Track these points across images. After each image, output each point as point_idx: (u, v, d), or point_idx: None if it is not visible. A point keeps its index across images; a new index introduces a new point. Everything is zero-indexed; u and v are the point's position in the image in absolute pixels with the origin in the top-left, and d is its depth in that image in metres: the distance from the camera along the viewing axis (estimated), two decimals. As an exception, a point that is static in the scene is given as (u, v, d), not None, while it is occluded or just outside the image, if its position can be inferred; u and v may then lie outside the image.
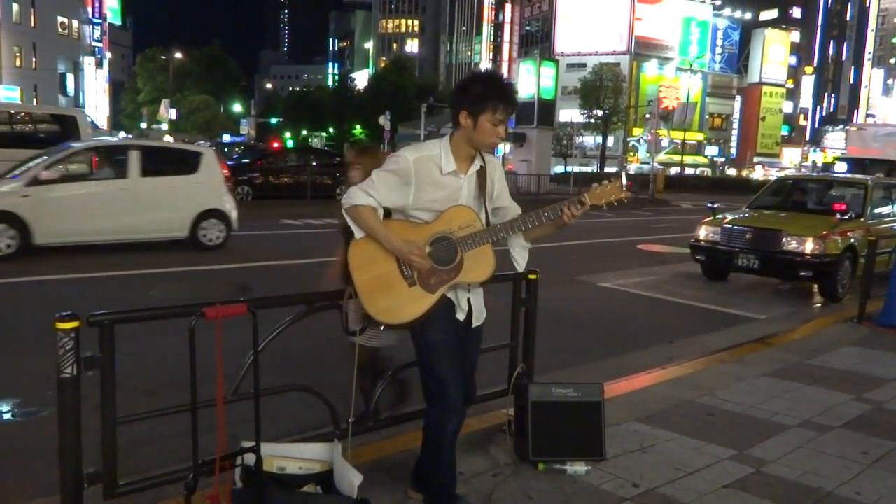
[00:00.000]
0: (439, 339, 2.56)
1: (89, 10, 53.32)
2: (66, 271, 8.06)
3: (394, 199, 2.53)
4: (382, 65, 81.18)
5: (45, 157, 9.39)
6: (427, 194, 2.52)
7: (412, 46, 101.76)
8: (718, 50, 70.37)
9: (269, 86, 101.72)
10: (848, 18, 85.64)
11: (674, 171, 50.70)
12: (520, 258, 2.74)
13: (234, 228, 10.54)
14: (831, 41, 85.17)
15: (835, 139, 78.51)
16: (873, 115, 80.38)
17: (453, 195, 2.55)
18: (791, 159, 75.28)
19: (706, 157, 68.06)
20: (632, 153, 56.89)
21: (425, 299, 2.50)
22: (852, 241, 8.34)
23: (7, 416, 4.04)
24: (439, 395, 2.59)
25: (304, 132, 67.10)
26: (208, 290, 7.56)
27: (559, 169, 45.01)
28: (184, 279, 8.15)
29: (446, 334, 2.58)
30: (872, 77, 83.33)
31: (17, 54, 44.80)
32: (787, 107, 77.95)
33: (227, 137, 49.83)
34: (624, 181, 2.55)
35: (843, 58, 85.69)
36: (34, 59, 46.27)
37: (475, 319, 2.70)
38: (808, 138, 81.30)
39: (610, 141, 54.28)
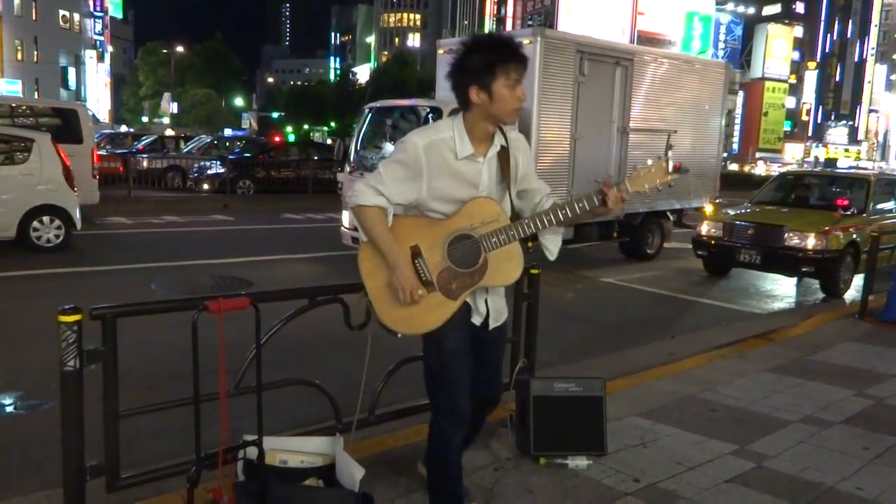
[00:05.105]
0: (454, 346, 2.35)
1: (91, 3, 53.26)
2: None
3: (406, 194, 2.26)
4: (384, 59, 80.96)
5: None
6: (442, 184, 2.25)
7: (414, 41, 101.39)
8: (721, 45, 69.97)
9: (270, 80, 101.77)
10: (851, 13, 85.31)
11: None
12: (552, 245, 2.46)
13: (76, 227, 9.34)
14: (833, 35, 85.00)
15: (837, 135, 78.25)
16: (876, 111, 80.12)
17: (472, 182, 2.29)
18: (793, 155, 75.08)
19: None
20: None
21: (446, 306, 2.26)
22: (854, 236, 8.33)
23: (10, 409, 4.05)
24: (447, 408, 2.40)
25: (306, 126, 66.96)
26: (210, 283, 7.57)
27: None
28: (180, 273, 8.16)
29: (461, 342, 2.37)
30: (876, 72, 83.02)
31: (19, 48, 44.75)
32: (790, 102, 77.73)
33: (228, 131, 49.83)
34: (671, 163, 2.21)
35: (846, 53, 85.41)
36: (35, 53, 46.22)
37: (492, 321, 2.47)
38: (810, 134, 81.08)
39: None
